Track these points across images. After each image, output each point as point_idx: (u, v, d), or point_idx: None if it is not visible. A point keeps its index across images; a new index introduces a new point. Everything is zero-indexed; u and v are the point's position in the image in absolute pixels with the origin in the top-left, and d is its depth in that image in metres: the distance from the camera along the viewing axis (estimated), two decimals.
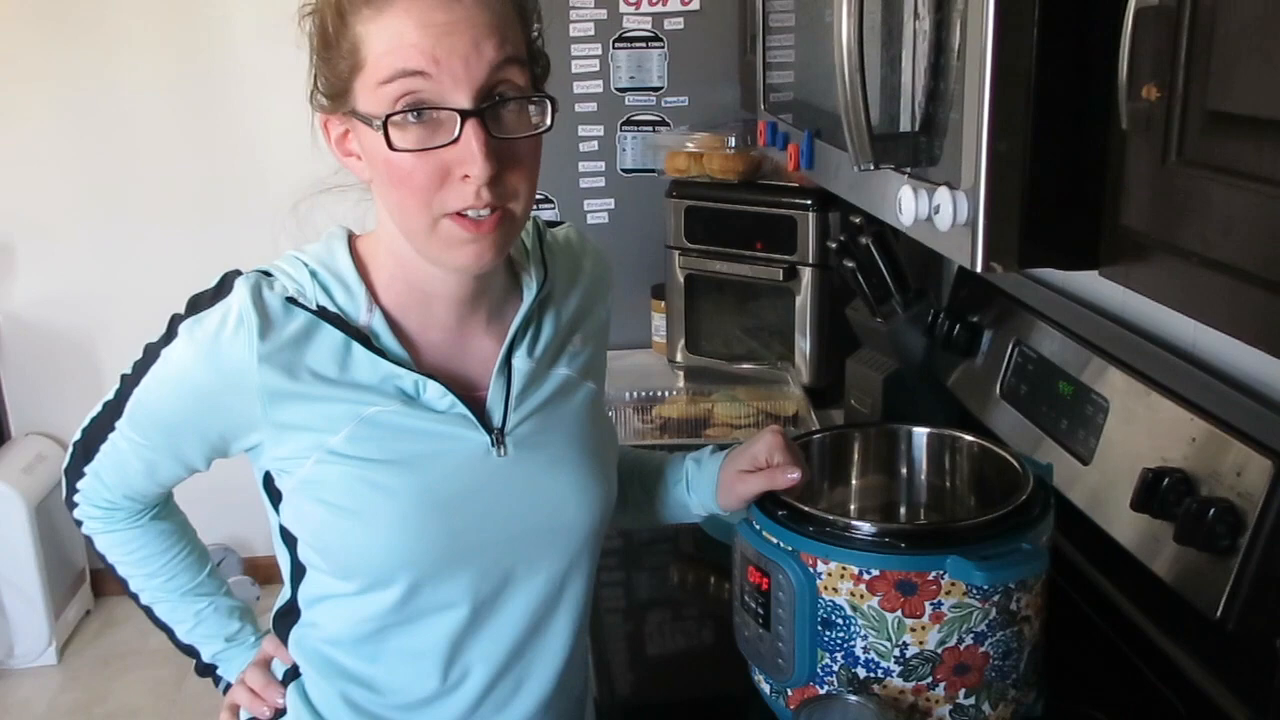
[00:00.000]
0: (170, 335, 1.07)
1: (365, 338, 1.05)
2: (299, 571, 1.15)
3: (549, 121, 1.03)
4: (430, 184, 0.97)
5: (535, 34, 1.07)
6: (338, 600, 1.12)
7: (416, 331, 1.09)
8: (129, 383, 1.11)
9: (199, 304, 1.06)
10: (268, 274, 1.06)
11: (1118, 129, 0.83)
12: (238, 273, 1.06)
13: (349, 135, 1.02)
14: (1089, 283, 1.54)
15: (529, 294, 1.13)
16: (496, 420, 1.10)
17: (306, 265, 1.07)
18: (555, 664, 1.17)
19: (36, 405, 3.58)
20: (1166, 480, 1.18)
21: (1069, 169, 0.89)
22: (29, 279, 3.53)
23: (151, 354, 1.08)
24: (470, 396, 1.09)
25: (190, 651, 1.30)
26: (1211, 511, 1.11)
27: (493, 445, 1.09)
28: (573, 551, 1.15)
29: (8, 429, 3.61)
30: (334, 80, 1.00)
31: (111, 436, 1.15)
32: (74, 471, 1.22)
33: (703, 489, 1.29)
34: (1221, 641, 1.13)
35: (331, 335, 1.04)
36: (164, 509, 1.27)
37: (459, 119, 0.96)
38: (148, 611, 1.29)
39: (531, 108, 1.03)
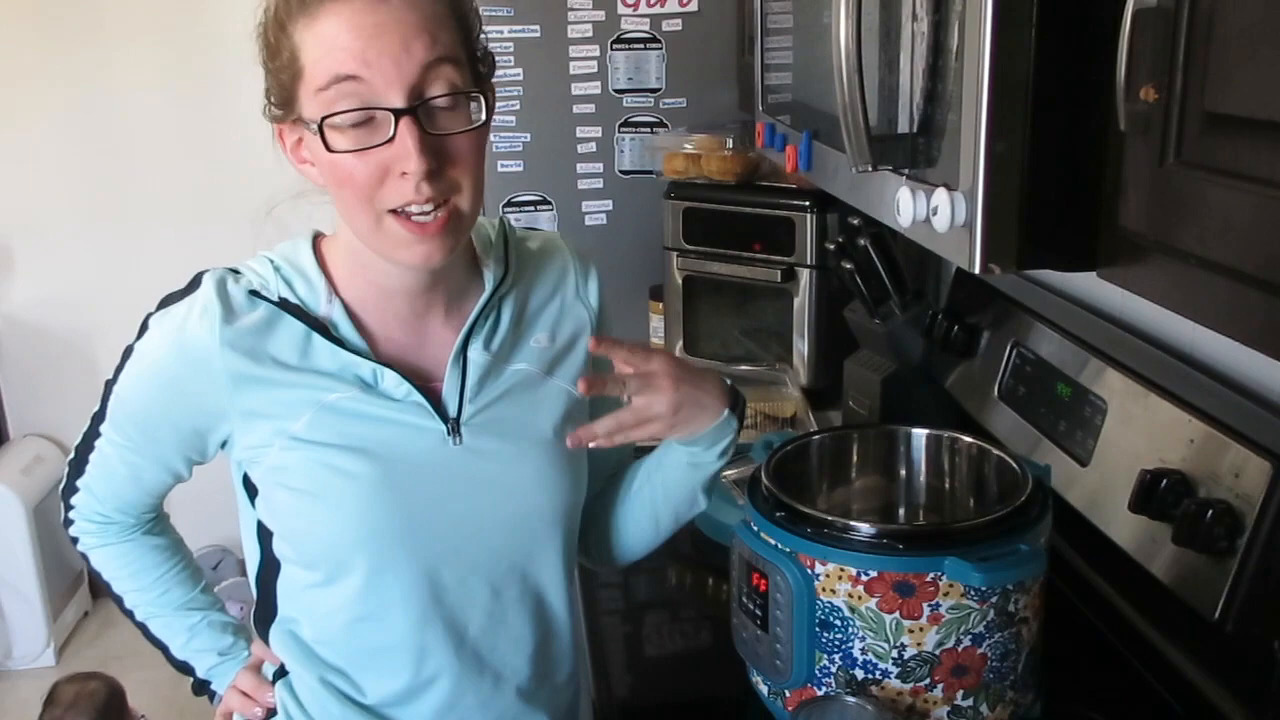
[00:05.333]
0: (142, 331, 1.12)
1: (324, 327, 1.10)
2: (272, 568, 1.18)
3: (484, 116, 1.04)
4: (371, 183, 1.00)
5: (476, 33, 1.08)
6: (311, 592, 1.16)
7: (376, 324, 1.12)
8: (109, 385, 1.15)
9: (169, 300, 1.12)
10: (235, 271, 1.12)
11: (1116, 130, 0.83)
12: (209, 274, 1.11)
13: (301, 143, 1.06)
14: (1087, 284, 1.54)
15: (487, 287, 1.16)
16: (452, 410, 1.13)
17: (271, 261, 1.13)
18: (527, 655, 1.18)
19: (35, 406, 3.58)
20: (1165, 482, 1.18)
21: (1067, 170, 0.89)
22: (28, 280, 3.52)
23: (127, 352, 1.13)
24: (427, 386, 1.12)
25: (185, 668, 1.31)
26: (1210, 513, 1.11)
27: (449, 434, 1.12)
28: (532, 540, 1.16)
29: (6, 430, 3.60)
30: (280, 90, 1.04)
31: (98, 444, 1.18)
32: (68, 489, 1.25)
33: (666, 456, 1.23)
34: (1219, 643, 1.13)
35: (292, 325, 1.09)
36: (157, 524, 1.29)
37: (393, 118, 0.98)
38: (143, 629, 1.30)
39: (471, 104, 1.04)
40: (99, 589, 3.78)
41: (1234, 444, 1.14)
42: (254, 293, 1.09)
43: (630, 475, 1.28)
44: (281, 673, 1.21)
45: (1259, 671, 1.08)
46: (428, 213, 1.02)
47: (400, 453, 1.11)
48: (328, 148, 1.00)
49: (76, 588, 3.61)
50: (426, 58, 0.99)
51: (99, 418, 1.17)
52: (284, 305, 1.09)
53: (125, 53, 3.38)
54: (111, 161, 3.45)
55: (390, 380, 1.10)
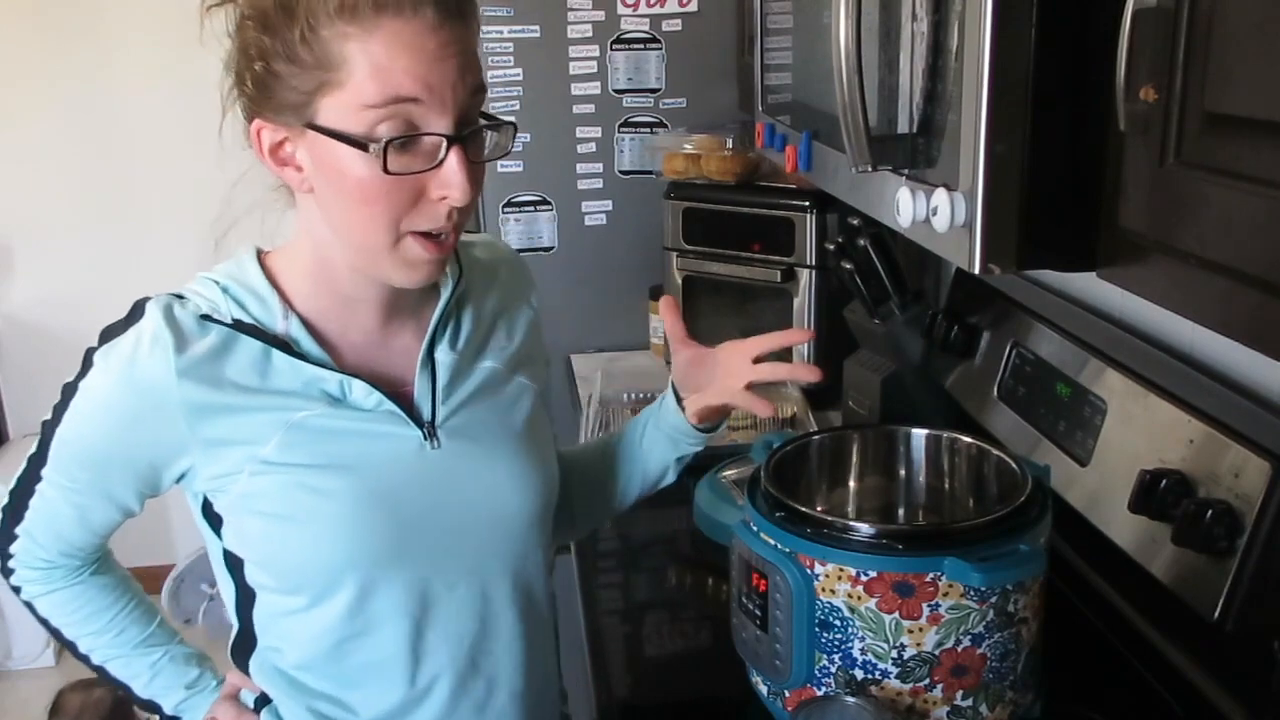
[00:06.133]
0: (85, 368, 1.06)
1: (285, 344, 1.06)
2: (248, 597, 1.14)
3: (510, 146, 1.06)
4: (404, 205, 0.99)
5: None
6: (292, 618, 1.12)
7: (337, 335, 1.10)
8: (49, 427, 1.10)
9: (111, 333, 1.06)
10: (179, 296, 1.07)
11: (1115, 130, 0.83)
12: (148, 298, 1.06)
13: (285, 143, 1.01)
14: (1087, 284, 1.54)
15: (446, 290, 1.14)
16: (426, 414, 1.11)
17: (217, 283, 1.08)
18: (518, 655, 1.19)
19: (35, 407, 3.56)
20: (1164, 482, 1.18)
21: (1067, 171, 0.89)
22: (27, 280, 3.53)
23: (69, 391, 1.08)
24: (397, 393, 1.10)
25: (152, 707, 1.26)
26: (1209, 513, 1.11)
27: (425, 439, 1.10)
28: (516, 540, 1.17)
29: (6, 430, 3.61)
30: (289, 92, 0.97)
31: (39, 488, 1.13)
32: (4, 536, 1.18)
33: (668, 415, 1.33)
34: (1219, 643, 1.13)
35: (249, 345, 1.05)
36: (103, 563, 1.24)
37: (445, 144, 0.97)
38: (101, 672, 1.25)
39: (495, 133, 1.05)
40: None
41: (1233, 444, 1.14)
42: (205, 317, 1.05)
43: (606, 454, 1.36)
44: (264, 700, 1.19)
45: (1259, 671, 1.08)
46: (447, 234, 1.02)
47: (378, 464, 1.08)
48: (386, 169, 0.96)
49: None
50: (473, 85, 0.99)
51: (38, 461, 1.12)
52: (239, 326, 1.05)
53: (125, 53, 3.38)
54: (111, 162, 3.46)
55: (359, 390, 1.07)
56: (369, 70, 0.94)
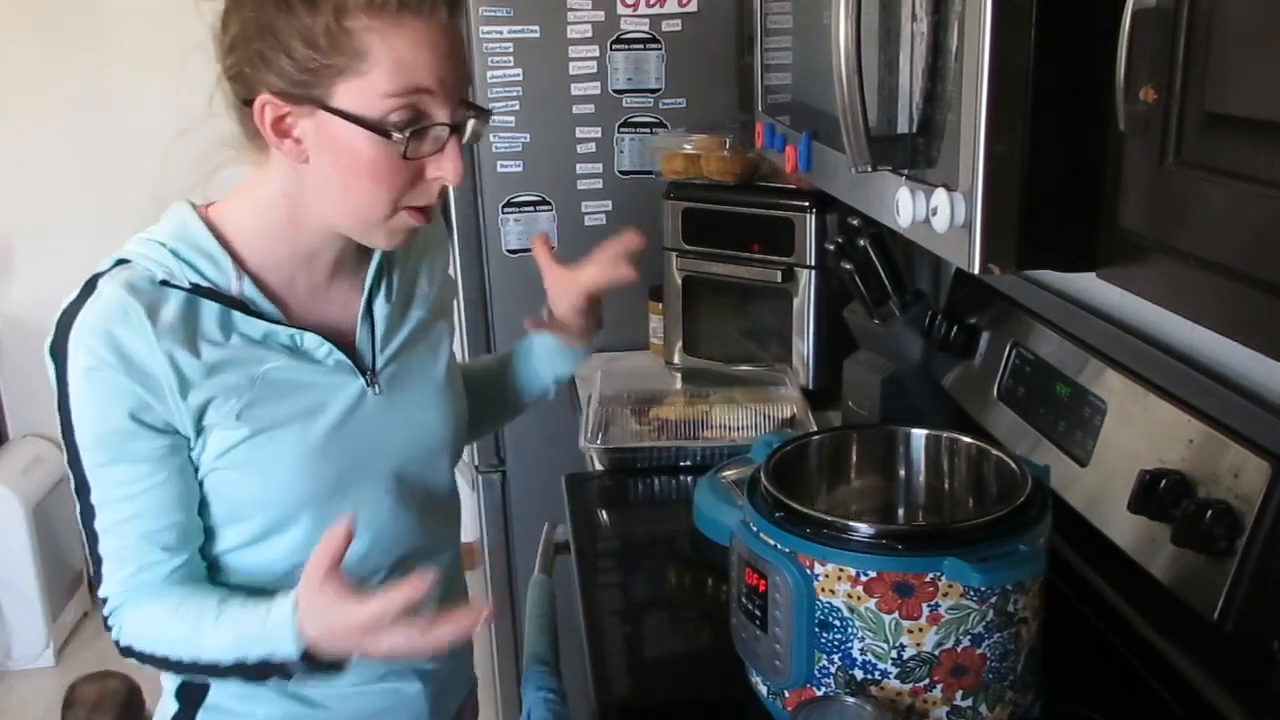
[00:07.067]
0: (60, 364, 1.07)
1: (242, 304, 1.12)
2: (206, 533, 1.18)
3: (485, 133, 1.19)
4: (406, 183, 1.09)
5: None
6: (241, 550, 1.18)
7: (284, 289, 1.17)
8: (72, 452, 1.09)
9: (71, 316, 1.07)
10: (125, 260, 1.10)
11: (1115, 131, 0.83)
12: (101, 274, 1.09)
13: (288, 118, 1.07)
14: (1087, 284, 1.54)
15: (379, 251, 1.22)
16: (367, 362, 1.22)
17: (164, 245, 1.12)
18: (448, 557, 1.34)
19: (35, 407, 3.58)
20: (1164, 482, 1.18)
21: (1066, 171, 0.89)
22: (28, 280, 3.53)
23: (62, 400, 1.08)
24: (341, 344, 1.19)
25: (262, 669, 1.11)
26: (1209, 513, 1.11)
27: (367, 386, 1.21)
28: (441, 467, 1.32)
29: (6, 430, 3.61)
30: (304, 74, 1.04)
31: (97, 526, 1.11)
32: (99, 594, 1.15)
33: (543, 343, 1.50)
34: (1219, 643, 1.13)
35: (210, 308, 1.11)
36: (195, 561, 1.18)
37: (448, 131, 1.08)
38: (224, 670, 1.12)
39: (475, 120, 1.14)
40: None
41: (1233, 444, 1.14)
42: (164, 282, 1.09)
43: (501, 372, 1.53)
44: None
45: (1259, 671, 1.08)
46: (433, 207, 1.14)
47: (330, 412, 1.17)
48: (405, 155, 1.05)
49: (76, 588, 3.61)
50: (467, 76, 1.11)
51: (83, 489, 1.10)
52: (196, 290, 1.10)
53: (125, 53, 3.38)
54: (111, 162, 3.45)
55: (311, 342, 1.16)
56: (391, 64, 1.03)
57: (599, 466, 1.92)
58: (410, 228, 1.13)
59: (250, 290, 1.13)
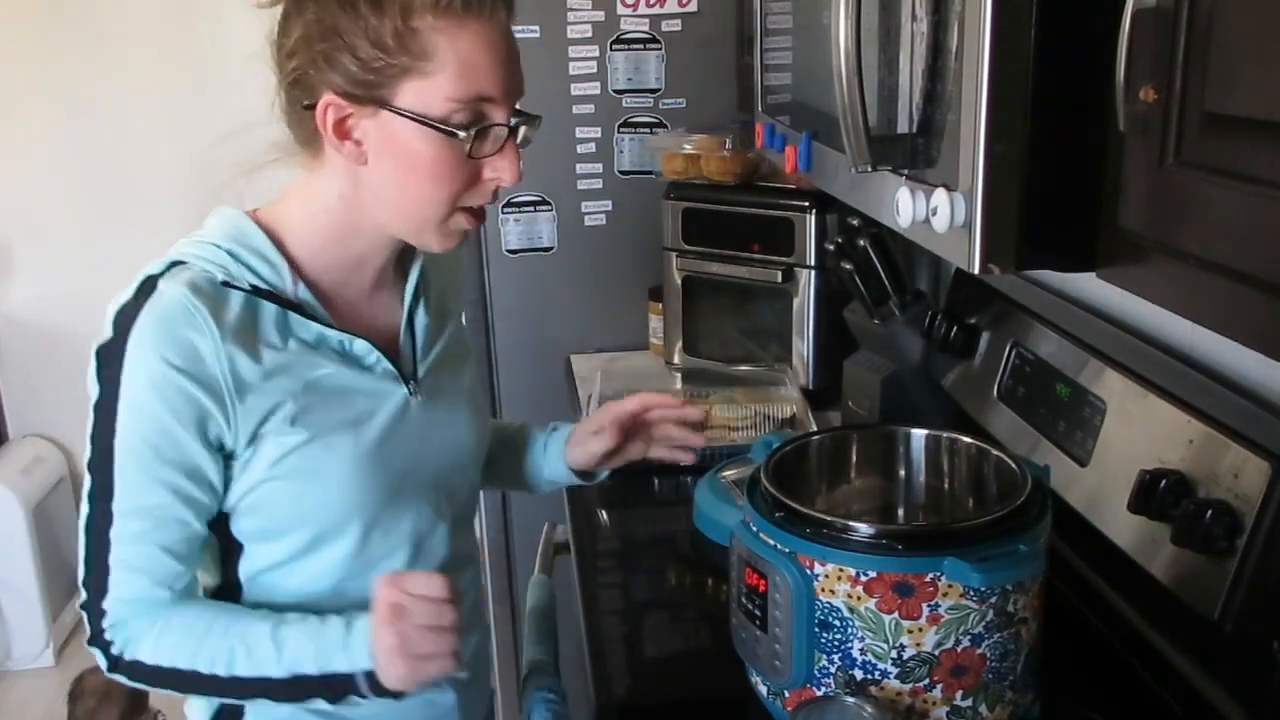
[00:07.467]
0: (114, 365, 1.04)
1: (299, 307, 1.12)
2: (231, 550, 1.16)
3: (534, 136, 1.16)
4: (466, 184, 1.10)
5: None
6: (286, 566, 1.16)
7: (334, 294, 1.17)
8: (103, 454, 1.06)
9: (129, 317, 1.04)
10: (179, 263, 1.08)
11: (1115, 131, 0.83)
12: (156, 274, 1.07)
13: (349, 118, 1.07)
14: (1086, 285, 1.54)
15: (420, 259, 1.24)
16: (409, 371, 1.21)
17: (220, 247, 1.10)
18: (472, 570, 1.35)
19: (34, 407, 3.58)
20: (1164, 482, 1.18)
21: (1066, 171, 0.89)
22: (27, 280, 3.53)
23: (106, 401, 1.05)
24: (386, 351, 1.18)
25: (328, 685, 1.09)
26: (1209, 513, 1.11)
27: (410, 395, 1.20)
28: (472, 478, 1.34)
29: (6, 430, 3.60)
30: (369, 73, 1.04)
31: (113, 533, 1.07)
32: (94, 614, 1.11)
33: (555, 449, 1.46)
34: (1219, 643, 1.13)
35: (268, 310, 1.10)
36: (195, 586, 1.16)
37: (506, 133, 1.09)
38: (241, 684, 1.09)
39: (527, 126, 1.15)
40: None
41: (1233, 444, 1.14)
42: (225, 283, 1.08)
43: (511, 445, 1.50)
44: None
45: (1259, 671, 1.08)
46: (485, 209, 1.15)
47: (380, 419, 1.17)
48: (470, 154, 1.07)
49: (76, 588, 3.61)
50: (523, 88, 1.12)
51: (101, 499, 1.06)
52: (256, 291, 1.10)
53: (125, 53, 3.38)
54: (111, 162, 3.46)
55: (360, 348, 1.15)
56: (458, 66, 1.04)
57: None
58: (464, 230, 1.13)
59: (305, 294, 1.13)
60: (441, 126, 1.05)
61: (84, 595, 1.12)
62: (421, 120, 1.05)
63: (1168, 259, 0.80)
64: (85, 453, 1.08)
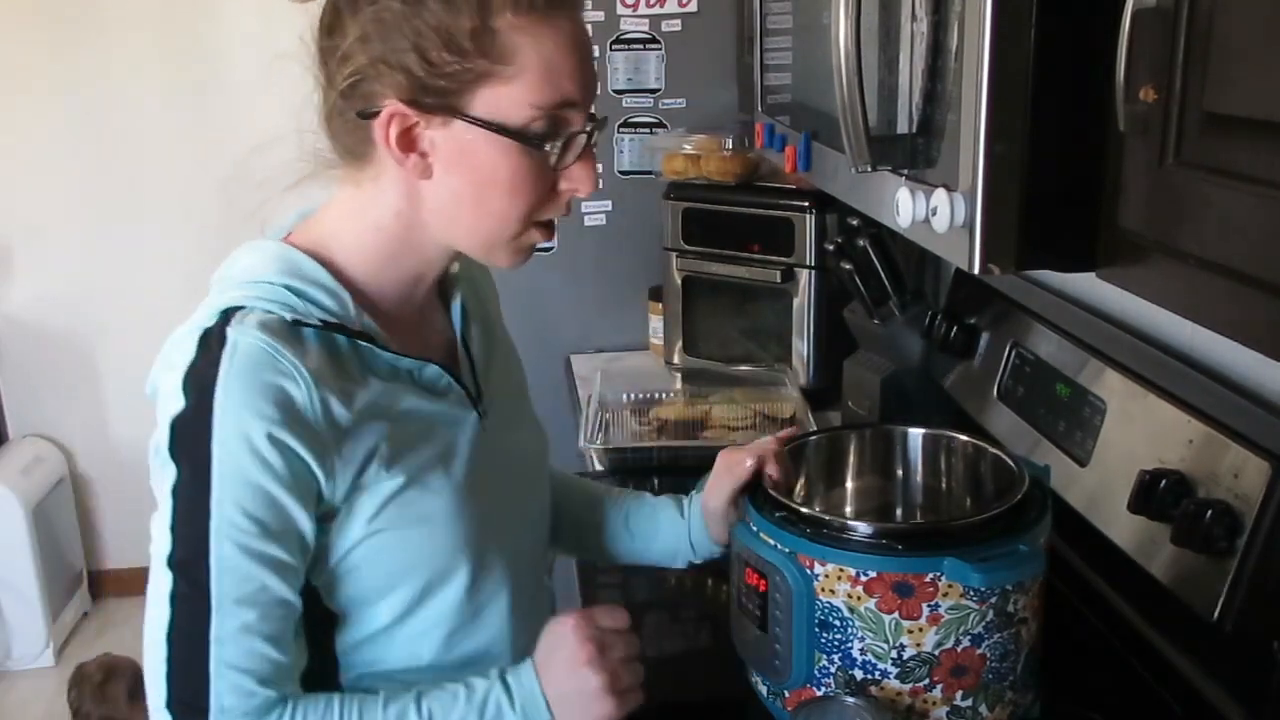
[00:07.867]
0: (202, 437, 0.91)
1: (369, 338, 1.01)
2: (325, 624, 1.03)
3: (599, 141, 1.06)
4: (543, 197, 1.00)
5: None
6: (390, 630, 1.04)
7: (393, 318, 1.06)
8: (193, 545, 0.91)
9: (207, 379, 0.91)
10: (235, 309, 0.96)
11: (1115, 131, 0.83)
12: (213, 326, 0.95)
13: (416, 128, 0.96)
14: (1086, 285, 1.54)
15: (455, 268, 1.14)
16: (474, 391, 1.12)
17: (275, 284, 0.98)
18: (551, 587, 1.28)
19: (35, 407, 3.58)
20: (1164, 482, 1.18)
21: (1066, 171, 0.89)
22: (27, 280, 3.53)
23: (194, 478, 0.91)
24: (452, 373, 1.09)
25: None
26: (1209, 513, 1.11)
27: (480, 416, 1.11)
28: (546, 489, 1.26)
29: (6, 430, 3.60)
30: (442, 79, 0.94)
31: (215, 630, 0.92)
32: (205, 710, 0.93)
33: (695, 521, 1.33)
34: (1219, 643, 1.13)
35: (343, 344, 0.99)
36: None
37: (584, 140, 1.00)
38: None
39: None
40: (99, 589, 3.81)
41: (1233, 444, 1.14)
42: (296, 321, 0.96)
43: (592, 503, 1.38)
44: None
45: (1258, 671, 1.08)
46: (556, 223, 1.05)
47: (463, 447, 1.07)
48: (555, 165, 0.98)
49: (76, 588, 3.61)
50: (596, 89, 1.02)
51: (194, 598, 0.91)
52: (327, 326, 0.98)
53: (126, 54, 3.39)
54: (111, 162, 3.46)
55: (432, 374, 1.05)
56: (542, 69, 0.94)
57: (599, 467, 1.92)
58: (534, 245, 1.04)
59: (368, 322, 1.01)
60: (524, 137, 0.95)
61: (168, 718, 0.94)
62: (500, 130, 0.94)
63: (1168, 259, 0.80)
64: (161, 548, 0.93)
